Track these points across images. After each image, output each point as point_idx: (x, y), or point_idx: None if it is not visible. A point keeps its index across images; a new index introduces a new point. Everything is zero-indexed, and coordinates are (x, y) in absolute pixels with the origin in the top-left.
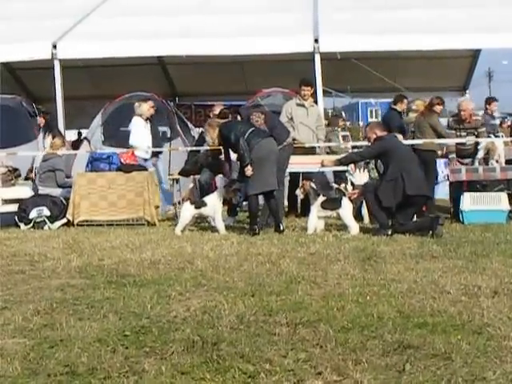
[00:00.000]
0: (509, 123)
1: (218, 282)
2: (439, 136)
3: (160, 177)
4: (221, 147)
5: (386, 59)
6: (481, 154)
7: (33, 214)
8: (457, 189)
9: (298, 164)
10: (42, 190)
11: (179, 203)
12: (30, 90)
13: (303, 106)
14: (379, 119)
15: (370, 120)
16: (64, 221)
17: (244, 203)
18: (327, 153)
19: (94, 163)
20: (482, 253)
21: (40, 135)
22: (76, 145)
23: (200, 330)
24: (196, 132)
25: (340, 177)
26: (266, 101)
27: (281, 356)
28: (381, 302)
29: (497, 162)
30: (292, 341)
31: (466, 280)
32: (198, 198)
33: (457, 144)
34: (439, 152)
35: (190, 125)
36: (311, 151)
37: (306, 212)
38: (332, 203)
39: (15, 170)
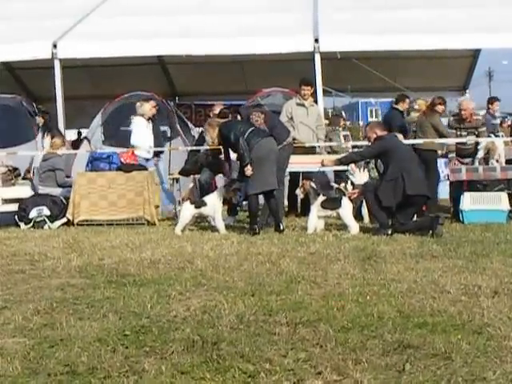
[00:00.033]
0: (509, 123)
1: (218, 282)
2: (441, 136)
3: (161, 177)
4: (221, 147)
5: (386, 59)
6: (481, 154)
7: (33, 213)
8: (457, 188)
9: (298, 164)
10: (42, 190)
11: (179, 203)
12: (30, 90)
13: (303, 105)
14: (379, 119)
15: (370, 120)
16: (64, 220)
17: (244, 203)
18: (328, 152)
19: (94, 163)
20: (482, 252)
21: (39, 135)
22: (76, 144)
23: (200, 329)
24: (196, 132)
25: (340, 176)
26: (265, 100)
27: (281, 356)
28: (381, 301)
29: (497, 161)
30: (292, 340)
31: (466, 280)
32: (197, 197)
33: (457, 143)
34: (439, 152)
35: (190, 124)
36: (311, 151)
37: (306, 212)
38: (332, 203)
39: (15, 169)
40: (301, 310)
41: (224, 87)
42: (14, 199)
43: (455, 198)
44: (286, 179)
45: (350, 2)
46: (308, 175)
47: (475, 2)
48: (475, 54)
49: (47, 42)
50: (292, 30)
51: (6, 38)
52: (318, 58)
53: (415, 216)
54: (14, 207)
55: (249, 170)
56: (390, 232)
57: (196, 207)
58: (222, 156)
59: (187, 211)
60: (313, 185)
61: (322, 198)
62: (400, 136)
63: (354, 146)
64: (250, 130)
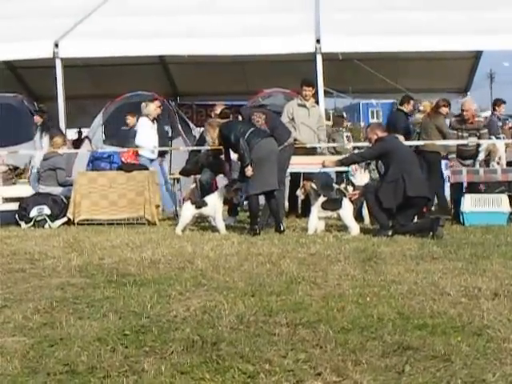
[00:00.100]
0: (510, 125)
1: (218, 282)
2: (445, 137)
3: (166, 177)
4: (221, 147)
5: (387, 60)
6: (482, 156)
7: (33, 212)
8: (457, 190)
9: (298, 164)
10: (43, 189)
11: (180, 203)
12: (32, 89)
13: (304, 106)
14: (380, 120)
15: (371, 121)
16: (64, 219)
17: (245, 203)
18: (332, 153)
19: (95, 162)
20: (482, 255)
21: (37, 134)
22: (77, 144)
23: (200, 329)
24: (197, 132)
25: (340, 177)
26: (267, 101)
27: (280, 356)
28: (381, 303)
29: (498, 163)
30: (292, 341)
31: (466, 282)
32: (198, 197)
33: (458, 145)
34: (443, 153)
35: (191, 124)
36: (312, 152)
37: (306, 212)
38: (333, 204)
39: (16, 168)
40: (301, 310)
41: (225, 87)
42: (15, 198)
43: (456, 199)
44: (287, 180)
45: (352, 3)
46: (309, 176)
47: (476, 3)
48: (476, 55)
49: (49, 42)
50: (293, 30)
51: (7, 36)
52: (319, 58)
53: (416, 217)
54: (14, 206)
55: (249, 171)
56: (390, 233)
57: (197, 207)
58: (223, 156)
59: (188, 211)
60: (313, 186)
61: (322, 198)
62: (401, 137)
63: (354, 147)
64: (251, 130)
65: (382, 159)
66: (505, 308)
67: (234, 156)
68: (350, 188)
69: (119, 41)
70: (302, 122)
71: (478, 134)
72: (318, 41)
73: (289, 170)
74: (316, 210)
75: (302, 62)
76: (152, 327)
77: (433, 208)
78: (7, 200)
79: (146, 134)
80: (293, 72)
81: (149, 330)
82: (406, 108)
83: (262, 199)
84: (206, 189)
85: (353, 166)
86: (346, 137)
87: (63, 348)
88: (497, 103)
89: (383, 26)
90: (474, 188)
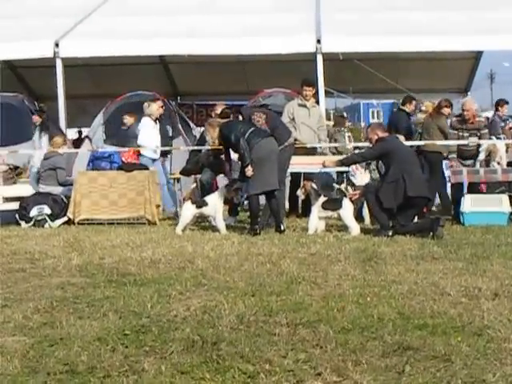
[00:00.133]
0: (510, 125)
1: (219, 282)
2: (446, 138)
3: (168, 177)
4: (222, 147)
5: (388, 60)
6: (482, 156)
7: (33, 212)
8: (458, 190)
9: (299, 164)
10: (43, 189)
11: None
12: (32, 88)
13: (305, 106)
14: (381, 120)
15: (371, 121)
16: (65, 219)
17: (245, 203)
18: (333, 153)
19: (96, 162)
20: (482, 255)
21: (36, 134)
22: (77, 143)
23: (200, 329)
24: (197, 131)
25: (341, 177)
26: (267, 101)
27: (281, 356)
28: (381, 303)
29: (498, 163)
30: (292, 341)
31: (466, 282)
32: (199, 197)
33: (459, 144)
34: (444, 153)
35: (191, 124)
36: (313, 152)
37: (306, 212)
38: (333, 204)
39: (16, 167)
40: (301, 310)
41: (226, 87)
42: (15, 197)
43: (456, 199)
44: (288, 180)
45: (353, 4)
46: (309, 176)
47: (476, 3)
48: (477, 56)
49: (49, 41)
50: (294, 30)
51: (8, 36)
52: (320, 58)
53: (416, 218)
54: (14, 206)
55: (249, 171)
56: (390, 233)
57: (197, 207)
58: (223, 156)
59: (188, 211)
60: (314, 186)
61: (322, 198)
62: (401, 137)
63: (355, 148)
64: (251, 130)
65: (383, 159)
66: (505, 308)
67: (234, 156)
68: (351, 188)
69: (119, 41)
70: (303, 122)
71: (478, 134)
72: (318, 41)
73: (289, 170)
74: (316, 209)
75: (302, 61)
76: (152, 327)
77: (434, 208)
78: (7, 199)
79: (149, 134)
80: (293, 72)
81: (149, 329)
82: (408, 108)
83: (262, 199)
84: (207, 189)
85: (353, 166)
86: (348, 137)
87: (63, 348)
88: (500, 103)
89: (384, 26)
90: (474, 188)
